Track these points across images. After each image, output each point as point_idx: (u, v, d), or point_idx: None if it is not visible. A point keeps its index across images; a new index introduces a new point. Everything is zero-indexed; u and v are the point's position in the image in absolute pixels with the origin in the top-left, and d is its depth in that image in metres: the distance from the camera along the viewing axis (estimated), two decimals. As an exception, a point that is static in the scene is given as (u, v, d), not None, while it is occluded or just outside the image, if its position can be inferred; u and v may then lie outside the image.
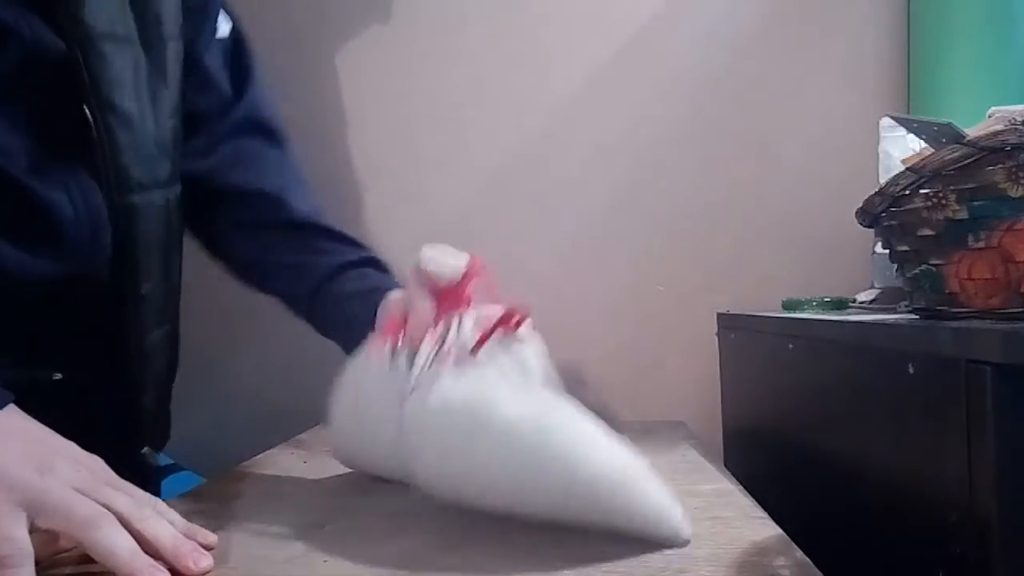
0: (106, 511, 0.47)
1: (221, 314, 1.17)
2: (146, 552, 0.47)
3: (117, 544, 0.46)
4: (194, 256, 0.81)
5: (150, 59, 0.67)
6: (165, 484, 1.03)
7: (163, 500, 0.68)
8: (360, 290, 0.74)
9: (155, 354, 0.72)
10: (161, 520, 0.50)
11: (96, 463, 0.52)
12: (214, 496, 0.72)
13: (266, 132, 0.79)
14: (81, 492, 0.47)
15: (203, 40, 0.75)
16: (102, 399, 0.60)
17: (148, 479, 0.73)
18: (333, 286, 0.75)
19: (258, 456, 0.88)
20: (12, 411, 0.50)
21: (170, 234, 0.71)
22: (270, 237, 0.77)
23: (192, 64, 0.73)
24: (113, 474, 0.52)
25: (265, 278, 0.80)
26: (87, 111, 0.61)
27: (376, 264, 0.78)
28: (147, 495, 0.52)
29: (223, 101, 0.77)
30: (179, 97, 0.71)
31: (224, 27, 0.77)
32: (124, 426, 0.60)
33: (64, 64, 0.60)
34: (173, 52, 0.69)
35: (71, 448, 0.51)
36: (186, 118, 0.73)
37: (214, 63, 0.76)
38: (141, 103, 0.66)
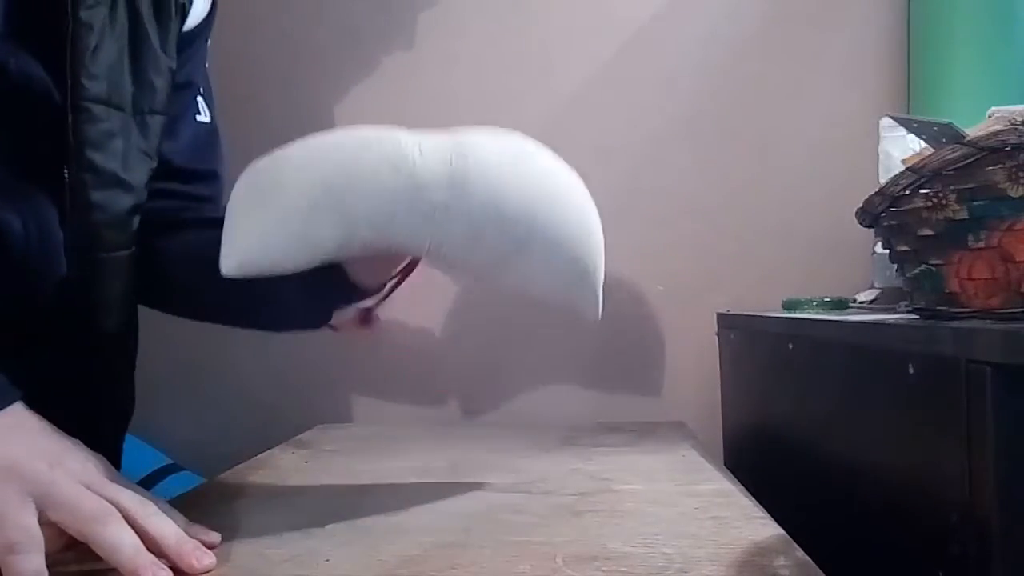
0: (112, 508, 0.48)
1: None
2: (149, 549, 0.48)
3: (121, 540, 0.47)
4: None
5: (140, 128, 0.68)
6: (165, 484, 1.03)
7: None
8: None
9: (107, 403, 0.71)
10: (165, 518, 0.50)
11: (102, 461, 0.52)
12: (214, 496, 0.72)
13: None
14: (88, 487, 0.48)
15: (179, 116, 0.76)
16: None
17: None
18: None
19: (258, 456, 0.89)
20: (21, 408, 0.51)
21: (129, 291, 0.71)
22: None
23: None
24: (118, 473, 0.53)
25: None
26: (64, 169, 0.62)
27: None
28: (150, 494, 0.53)
29: (186, 173, 0.78)
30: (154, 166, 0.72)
31: (205, 114, 0.79)
32: None
33: (51, 113, 0.61)
34: (158, 124, 0.71)
35: (79, 445, 0.52)
36: None
37: (183, 139, 0.77)
38: (124, 168, 0.67)
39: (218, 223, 0.69)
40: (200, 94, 0.79)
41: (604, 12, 1.19)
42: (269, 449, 0.92)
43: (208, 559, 0.49)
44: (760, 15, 1.17)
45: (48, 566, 0.45)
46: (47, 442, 0.50)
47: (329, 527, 0.59)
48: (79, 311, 0.65)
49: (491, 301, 1.19)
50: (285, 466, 0.83)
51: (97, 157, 0.64)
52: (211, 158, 0.80)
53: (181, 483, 1.04)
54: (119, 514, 0.48)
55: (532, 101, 1.20)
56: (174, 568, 0.48)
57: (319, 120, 1.22)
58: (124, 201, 0.68)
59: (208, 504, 0.68)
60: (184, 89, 0.76)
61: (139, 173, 0.69)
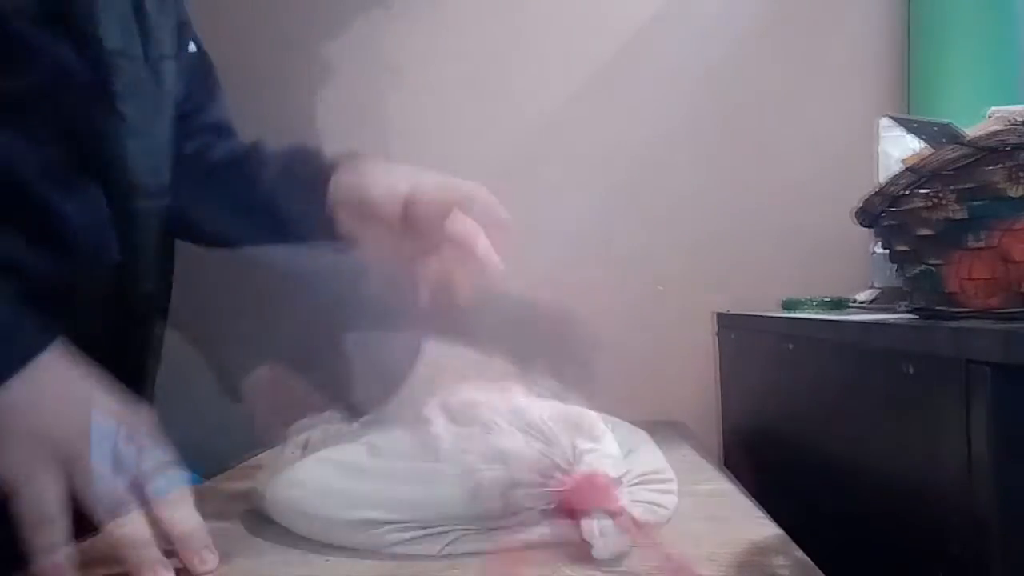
0: (132, 498, 0.48)
1: (220, 313, 1.17)
2: (161, 533, 0.48)
3: (134, 533, 0.47)
4: (195, 257, 0.81)
5: (154, 75, 0.70)
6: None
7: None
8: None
9: (148, 348, 0.74)
10: (182, 507, 0.50)
11: (137, 419, 0.52)
12: (213, 496, 0.72)
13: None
14: (119, 461, 0.48)
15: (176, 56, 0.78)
16: None
17: None
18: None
19: (258, 456, 0.88)
20: (58, 355, 0.50)
21: (167, 233, 0.73)
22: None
23: None
24: (152, 433, 0.52)
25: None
26: (100, 122, 0.64)
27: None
28: (180, 471, 0.53)
29: (187, 105, 0.79)
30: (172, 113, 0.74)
31: (192, 45, 0.81)
32: None
33: (81, 79, 0.62)
34: (170, 68, 0.72)
35: (113, 404, 0.51)
36: None
37: (182, 78, 0.78)
38: (147, 115, 0.69)
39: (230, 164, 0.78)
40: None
41: (603, 13, 1.19)
42: (268, 449, 0.92)
43: (212, 562, 0.50)
44: (760, 15, 1.17)
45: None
46: (80, 405, 0.49)
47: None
48: (121, 264, 0.67)
49: (487, 300, 1.19)
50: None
51: (126, 108, 0.65)
52: (208, 84, 0.83)
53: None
54: (139, 504, 0.48)
55: (532, 101, 1.20)
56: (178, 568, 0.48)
57: (314, 119, 1.22)
58: (155, 146, 0.70)
59: (207, 504, 0.68)
60: (179, 30, 0.77)
61: (162, 120, 0.71)
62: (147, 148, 0.69)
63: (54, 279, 0.60)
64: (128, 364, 0.70)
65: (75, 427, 0.48)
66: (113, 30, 0.64)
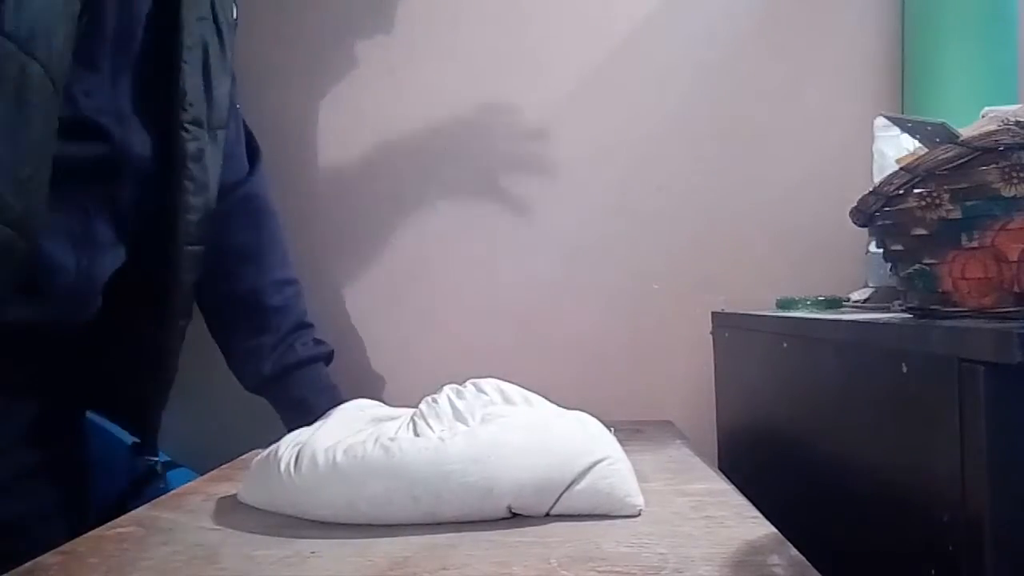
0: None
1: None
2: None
3: None
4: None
5: (212, 141, 0.83)
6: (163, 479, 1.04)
7: (158, 496, 0.69)
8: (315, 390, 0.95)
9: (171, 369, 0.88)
10: None
11: None
12: (207, 492, 0.72)
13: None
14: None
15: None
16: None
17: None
18: (289, 381, 0.96)
19: (253, 452, 0.88)
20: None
21: (195, 279, 0.85)
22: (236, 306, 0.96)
23: None
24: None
25: (221, 333, 0.98)
26: (179, 181, 0.78)
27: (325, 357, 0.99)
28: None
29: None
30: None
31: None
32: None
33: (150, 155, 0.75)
34: (222, 137, 0.86)
35: None
36: None
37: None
38: (211, 176, 0.83)
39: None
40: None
41: (599, 11, 1.19)
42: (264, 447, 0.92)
43: None
44: (755, 14, 1.17)
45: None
46: None
47: (320, 526, 0.59)
48: (165, 296, 0.81)
49: (483, 300, 1.19)
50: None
51: (195, 168, 0.79)
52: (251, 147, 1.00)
53: (179, 479, 1.03)
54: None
55: (527, 100, 1.20)
56: None
57: (311, 118, 1.22)
58: (208, 204, 0.83)
59: (200, 501, 0.67)
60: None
61: (215, 179, 0.85)
62: (207, 201, 0.82)
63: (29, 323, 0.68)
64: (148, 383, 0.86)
65: None
66: (195, 102, 0.78)
